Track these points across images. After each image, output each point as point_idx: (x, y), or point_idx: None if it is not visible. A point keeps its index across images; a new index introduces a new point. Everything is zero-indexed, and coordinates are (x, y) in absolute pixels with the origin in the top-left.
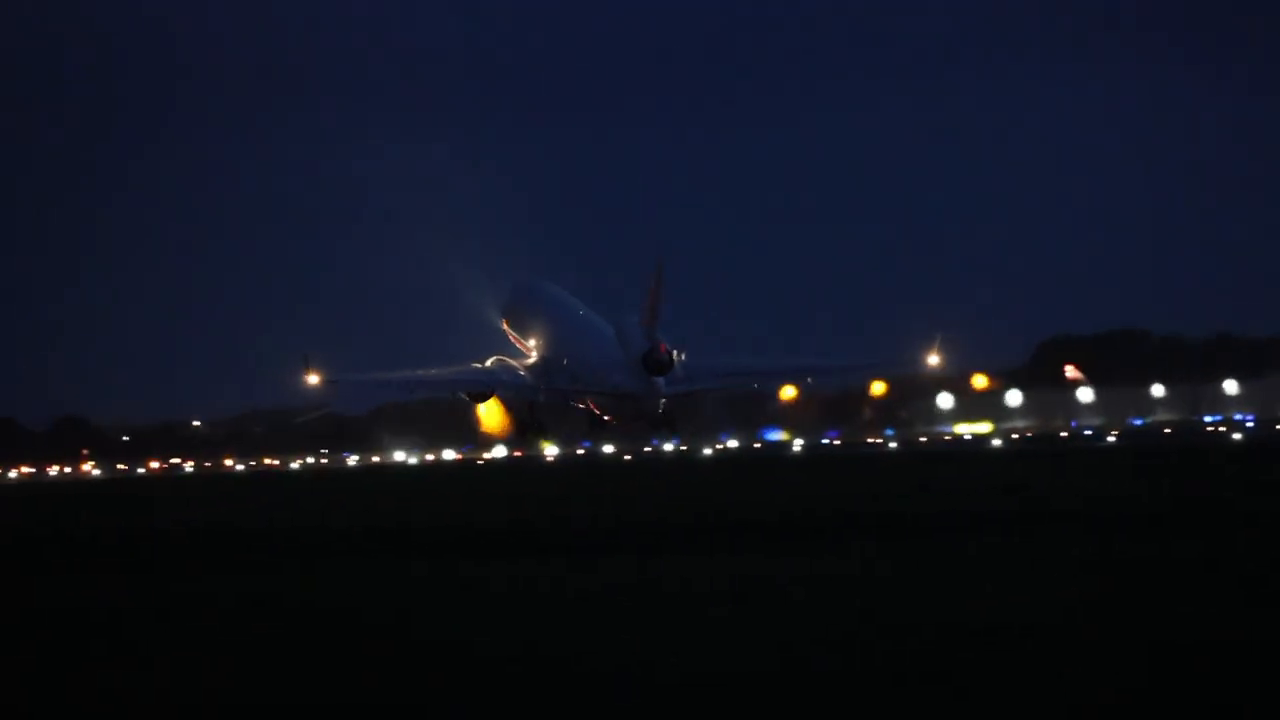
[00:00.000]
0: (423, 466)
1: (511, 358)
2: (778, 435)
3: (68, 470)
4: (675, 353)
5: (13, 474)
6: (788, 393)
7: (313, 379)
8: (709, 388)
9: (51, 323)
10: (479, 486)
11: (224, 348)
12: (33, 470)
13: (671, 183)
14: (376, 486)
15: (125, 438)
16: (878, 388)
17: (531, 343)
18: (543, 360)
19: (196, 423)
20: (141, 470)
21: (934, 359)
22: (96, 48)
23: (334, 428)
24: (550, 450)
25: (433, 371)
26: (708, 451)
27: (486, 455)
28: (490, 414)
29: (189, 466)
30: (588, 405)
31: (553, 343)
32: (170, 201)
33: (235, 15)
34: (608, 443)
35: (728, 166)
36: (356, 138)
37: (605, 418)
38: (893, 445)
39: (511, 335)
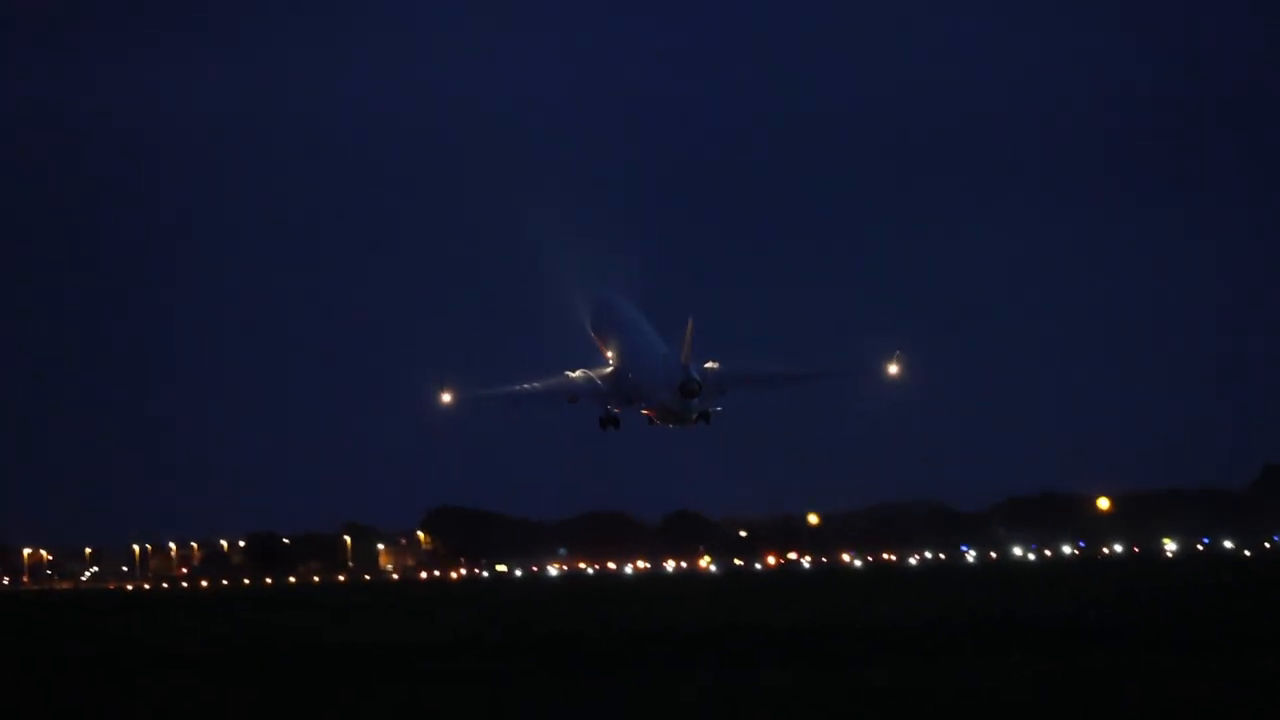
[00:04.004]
0: (1041, 562)
1: (592, 368)
2: None
3: (683, 564)
4: (705, 368)
5: (628, 568)
6: None
7: (446, 397)
8: (739, 389)
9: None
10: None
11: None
12: (648, 565)
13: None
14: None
15: (743, 533)
16: None
17: (610, 354)
18: (615, 373)
19: (813, 518)
20: (758, 565)
21: (893, 369)
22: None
23: (944, 520)
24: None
25: (534, 385)
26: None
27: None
28: None
29: (805, 561)
30: (645, 411)
31: (623, 358)
32: None
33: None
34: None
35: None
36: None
37: (654, 420)
38: None
39: (597, 343)
